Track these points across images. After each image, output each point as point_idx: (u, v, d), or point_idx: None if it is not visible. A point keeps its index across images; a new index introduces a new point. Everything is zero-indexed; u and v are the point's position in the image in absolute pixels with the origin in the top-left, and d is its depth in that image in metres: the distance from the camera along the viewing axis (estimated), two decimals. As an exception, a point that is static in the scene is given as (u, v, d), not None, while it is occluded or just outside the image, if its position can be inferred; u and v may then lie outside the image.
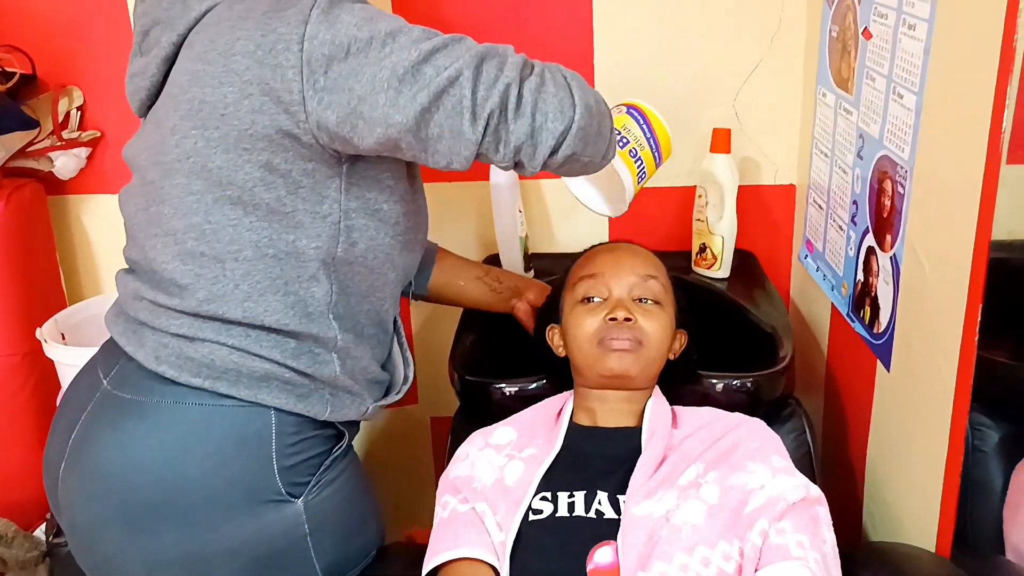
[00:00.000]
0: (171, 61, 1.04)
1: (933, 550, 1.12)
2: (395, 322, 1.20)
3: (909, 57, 1.12)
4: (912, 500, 1.19)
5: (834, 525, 1.08)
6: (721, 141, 1.51)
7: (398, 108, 0.93)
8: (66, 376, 1.47)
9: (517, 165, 0.99)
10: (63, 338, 1.49)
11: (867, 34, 1.26)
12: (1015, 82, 0.94)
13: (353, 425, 1.17)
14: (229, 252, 1.01)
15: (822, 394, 1.57)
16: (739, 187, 1.55)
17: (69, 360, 1.43)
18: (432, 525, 1.14)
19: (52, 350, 1.44)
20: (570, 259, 1.64)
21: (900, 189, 1.17)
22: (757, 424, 1.17)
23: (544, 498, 1.07)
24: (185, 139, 1.00)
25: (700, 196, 1.56)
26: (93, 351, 1.40)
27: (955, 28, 1.01)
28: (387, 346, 1.18)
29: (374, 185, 1.05)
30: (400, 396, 1.19)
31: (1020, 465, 1.21)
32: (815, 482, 1.23)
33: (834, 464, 1.47)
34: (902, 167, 1.16)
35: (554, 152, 0.96)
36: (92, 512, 1.05)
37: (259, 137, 0.97)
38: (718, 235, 1.54)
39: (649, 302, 1.18)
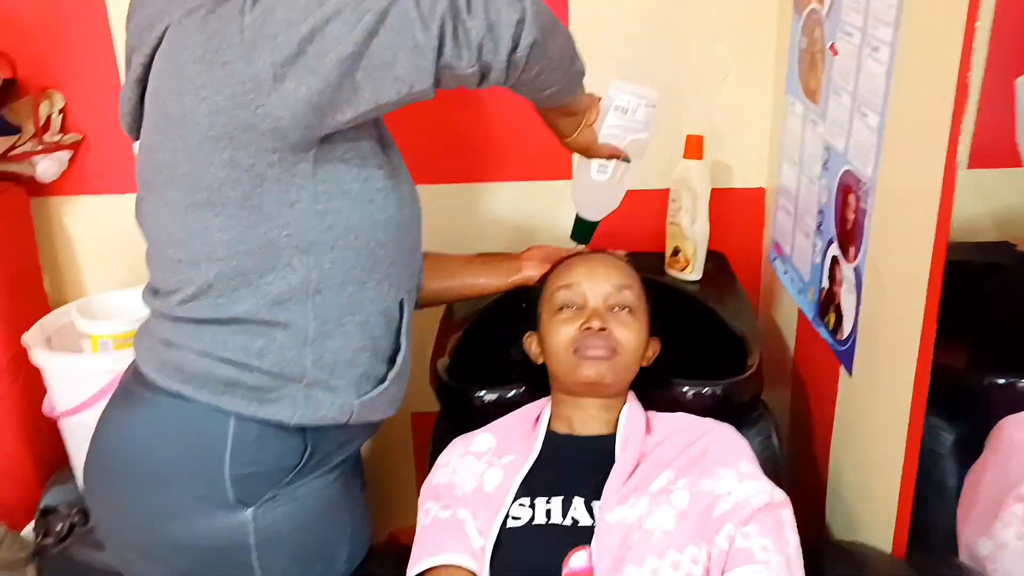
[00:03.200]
0: (144, 83, 1.08)
1: (890, 550, 1.18)
2: (401, 310, 1.17)
3: (873, 78, 1.16)
4: (871, 500, 1.25)
5: (799, 522, 1.13)
6: (694, 148, 1.55)
7: (343, 41, 0.94)
8: (52, 382, 1.49)
9: (484, 74, 0.99)
10: (48, 343, 1.51)
11: (834, 50, 1.30)
12: (972, 110, 0.99)
13: (328, 435, 1.13)
14: (203, 254, 1.05)
15: (789, 391, 1.63)
16: (711, 190, 1.59)
17: (55, 367, 1.46)
18: (414, 525, 1.19)
19: (38, 357, 1.46)
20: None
21: (863, 204, 1.21)
22: (727, 430, 1.22)
23: (522, 504, 1.11)
24: (156, 153, 1.06)
25: (674, 200, 1.60)
26: (79, 357, 1.44)
27: (916, 55, 1.05)
28: (389, 337, 1.16)
29: (341, 166, 1.06)
30: (384, 386, 1.16)
31: (973, 467, 1.27)
32: (780, 483, 1.29)
33: (800, 462, 1.53)
34: (865, 183, 1.20)
35: (516, 45, 0.97)
36: (88, 481, 1.19)
37: (219, 137, 0.99)
38: (691, 239, 1.58)
39: (623, 311, 1.23)
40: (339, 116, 1.00)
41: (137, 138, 1.14)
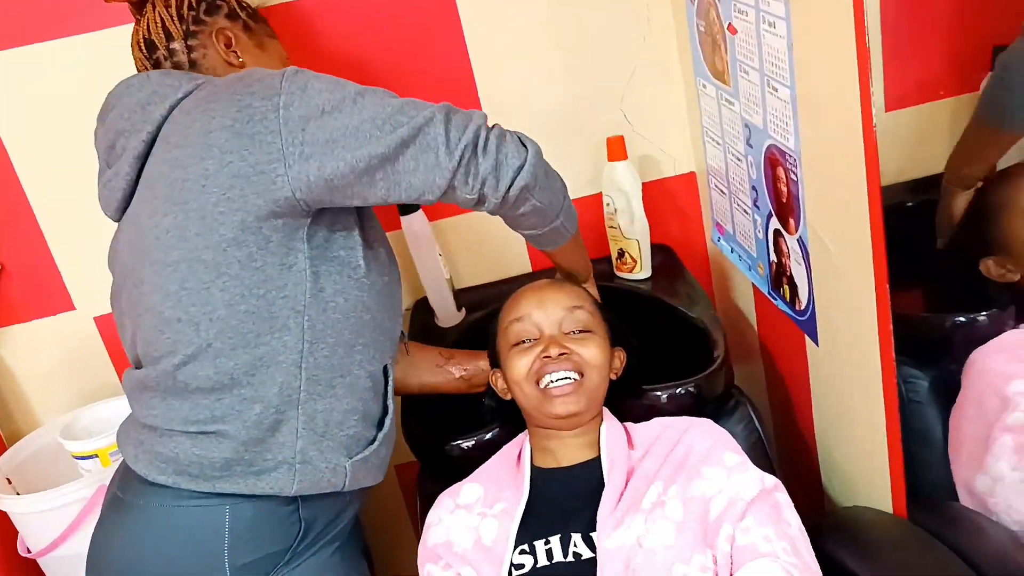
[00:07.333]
0: (143, 159, 1.13)
1: (891, 509, 1.18)
2: (386, 375, 1.21)
3: (775, 52, 1.16)
4: (863, 463, 1.25)
5: (798, 499, 1.13)
6: (617, 149, 1.55)
7: (378, 143, 1.04)
8: (20, 523, 1.45)
9: (480, 200, 1.10)
10: (9, 483, 1.47)
11: (732, 29, 1.30)
12: (878, 56, 0.98)
13: (321, 508, 1.15)
14: (203, 313, 1.08)
15: (761, 369, 1.62)
16: (643, 184, 1.59)
17: (22, 508, 1.41)
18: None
19: (3, 501, 1.41)
20: (497, 288, 1.67)
21: (793, 176, 1.21)
22: (704, 425, 1.21)
23: (523, 551, 1.10)
24: (165, 216, 1.08)
25: (608, 204, 1.59)
26: (43, 495, 1.40)
27: (811, 23, 1.05)
28: (377, 401, 1.20)
29: (329, 234, 1.12)
30: (375, 447, 1.18)
31: (954, 408, 1.28)
32: (771, 464, 1.29)
33: (786, 439, 1.53)
34: (791, 155, 1.20)
35: (511, 185, 1.09)
36: None
37: (235, 199, 1.05)
38: (633, 239, 1.58)
39: (580, 332, 1.22)
40: (348, 200, 1.08)
41: (119, 219, 1.18)
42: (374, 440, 1.18)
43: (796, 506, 1.12)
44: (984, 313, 1.28)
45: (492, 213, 1.14)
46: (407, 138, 1.04)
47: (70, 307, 1.63)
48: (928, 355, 1.31)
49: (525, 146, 1.12)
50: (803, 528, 1.10)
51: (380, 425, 1.20)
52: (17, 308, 1.62)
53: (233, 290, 1.07)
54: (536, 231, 1.20)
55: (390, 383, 1.21)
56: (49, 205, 1.57)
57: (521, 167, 1.10)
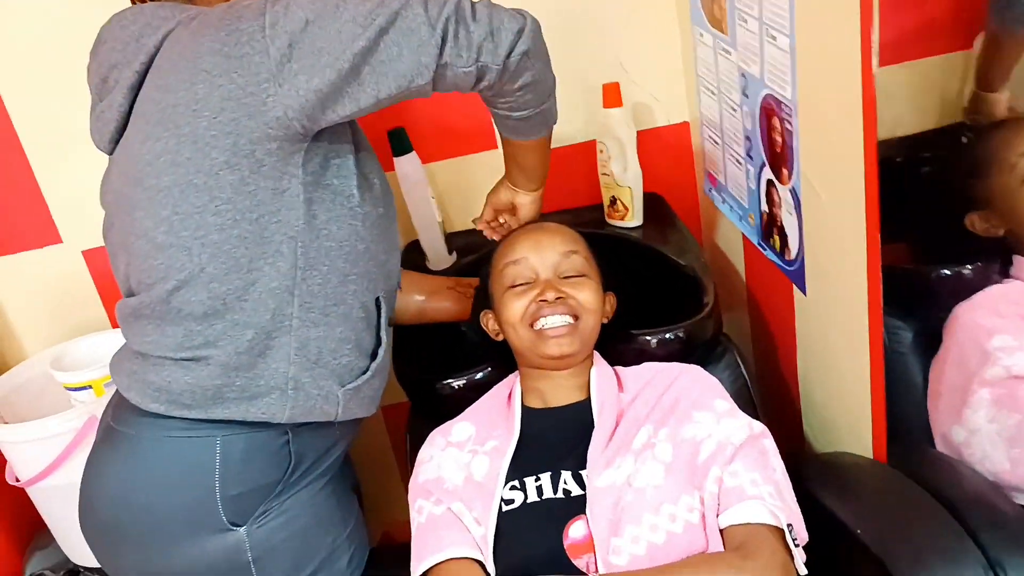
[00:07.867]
0: (136, 90, 1.12)
1: (871, 455, 1.21)
2: (379, 307, 1.21)
3: (776, 1, 1.16)
4: (845, 410, 1.28)
5: (779, 442, 1.15)
6: (612, 96, 1.54)
7: (359, 39, 1.01)
8: (9, 452, 1.45)
9: (479, 76, 1.06)
10: (-2, 414, 1.47)
11: (733, -23, 1.29)
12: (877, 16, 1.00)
13: (311, 442, 1.16)
14: (196, 238, 1.07)
15: (747, 317, 1.65)
16: (636, 133, 1.59)
17: (11, 438, 1.42)
18: (407, 521, 1.19)
19: (-9, 430, 1.41)
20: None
21: (788, 126, 1.22)
22: (694, 372, 1.23)
23: (513, 487, 1.12)
24: (157, 142, 1.07)
25: (602, 151, 1.59)
26: (36, 423, 1.40)
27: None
28: (371, 333, 1.20)
29: (324, 162, 1.11)
30: (367, 377, 1.18)
31: (935, 359, 1.31)
32: (755, 410, 1.32)
33: (770, 385, 1.55)
34: (787, 105, 1.21)
35: (512, 50, 1.05)
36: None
37: (227, 122, 1.04)
38: (625, 186, 1.58)
39: (575, 276, 1.22)
40: (340, 109, 1.05)
41: (111, 152, 1.17)
42: (367, 370, 1.19)
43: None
44: (969, 267, 1.31)
45: (489, 90, 1.10)
46: (385, 25, 1.01)
47: (57, 240, 1.62)
48: (912, 306, 1.33)
49: (523, 15, 1.08)
50: (786, 473, 1.13)
51: (374, 356, 1.20)
52: (3, 240, 1.61)
53: (226, 214, 1.06)
54: (528, 112, 1.15)
55: (383, 315, 1.21)
56: (38, 137, 1.55)
57: (521, 31, 1.06)
